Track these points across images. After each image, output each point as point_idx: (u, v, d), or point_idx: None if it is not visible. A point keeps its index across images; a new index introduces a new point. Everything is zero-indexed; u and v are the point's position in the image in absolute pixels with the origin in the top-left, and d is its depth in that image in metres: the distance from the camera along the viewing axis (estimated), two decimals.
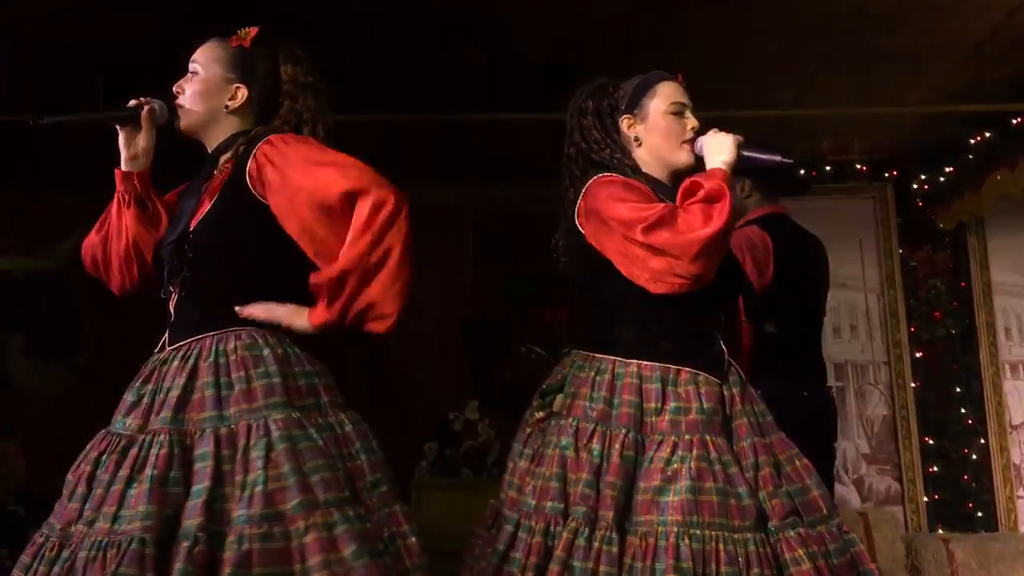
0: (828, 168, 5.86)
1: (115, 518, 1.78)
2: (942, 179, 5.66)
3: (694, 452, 2.04)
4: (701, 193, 2.06)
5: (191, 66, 2.16)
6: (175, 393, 1.91)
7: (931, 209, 5.82)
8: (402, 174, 6.27)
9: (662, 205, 2.09)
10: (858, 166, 5.93)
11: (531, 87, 4.57)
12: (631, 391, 2.12)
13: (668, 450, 2.06)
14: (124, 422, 1.94)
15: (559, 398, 2.21)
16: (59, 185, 5.46)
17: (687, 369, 2.14)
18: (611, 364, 2.16)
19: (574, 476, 2.06)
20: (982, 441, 5.67)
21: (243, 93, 2.13)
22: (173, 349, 2.01)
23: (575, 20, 4.02)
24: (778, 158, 2.25)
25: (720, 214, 2.02)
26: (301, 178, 1.95)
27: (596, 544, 1.98)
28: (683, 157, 2.30)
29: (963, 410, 5.73)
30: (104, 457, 1.90)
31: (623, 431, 2.08)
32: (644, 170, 2.30)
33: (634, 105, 2.34)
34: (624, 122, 2.34)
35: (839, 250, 5.89)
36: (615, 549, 1.97)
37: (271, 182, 1.98)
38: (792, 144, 5.56)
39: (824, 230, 5.80)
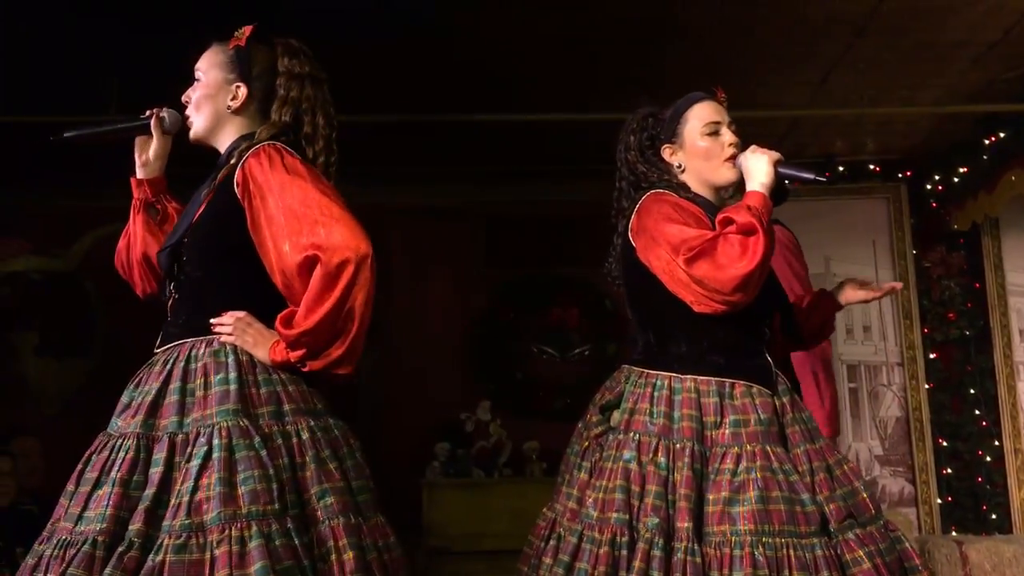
0: (841, 169, 5.84)
1: (78, 518, 1.80)
2: (956, 179, 5.64)
3: (758, 463, 2.10)
4: (734, 227, 2.10)
5: (196, 74, 2.16)
6: (149, 398, 1.92)
7: (945, 210, 5.80)
8: (414, 175, 6.33)
9: (706, 233, 2.13)
10: (871, 166, 5.91)
11: (543, 88, 4.58)
12: (690, 405, 2.17)
13: (732, 462, 2.11)
14: (116, 424, 1.96)
15: (616, 413, 2.25)
16: (73, 187, 5.50)
17: (741, 382, 2.20)
18: (667, 380, 2.21)
19: (638, 488, 2.10)
20: (996, 443, 5.64)
21: (243, 91, 2.12)
22: (161, 352, 2.03)
23: (587, 21, 4.02)
24: (812, 176, 2.27)
25: (756, 247, 2.06)
26: (275, 228, 1.95)
27: (680, 556, 2.02)
28: (726, 175, 2.33)
29: (977, 412, 5.70)
30: (93, 457, 1.92)
31: (688, 444, 2.13)
32: (693, 190, 2.35)
33: (671, 133, 2.38)
34: (665, 151, 2.38)
35: (852, 251, 5.90)
36: (699, 560, 2.02)
37: (252, 207, 1.99)
38: (804, 145, 5.55)
39: (837, 231, 5.88)
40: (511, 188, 5.80)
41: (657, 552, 2.02)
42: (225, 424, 1.84)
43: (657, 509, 2.07)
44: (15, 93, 4.53)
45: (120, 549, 1.72)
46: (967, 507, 5.64)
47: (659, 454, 2.12)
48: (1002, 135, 5.16)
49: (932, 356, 5.81)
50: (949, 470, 5.68)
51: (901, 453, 5.77)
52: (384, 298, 6.96)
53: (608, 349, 5.76)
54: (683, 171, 2.36)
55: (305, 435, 1.91)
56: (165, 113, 2.20)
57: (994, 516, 5.55)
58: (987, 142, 5.26)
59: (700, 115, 2.35)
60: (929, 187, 5.85)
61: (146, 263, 2.22)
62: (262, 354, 1.95)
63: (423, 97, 4.70)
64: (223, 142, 2.15)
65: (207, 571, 1.71)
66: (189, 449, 1.83)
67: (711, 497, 2.09)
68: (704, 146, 2.33)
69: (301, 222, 1.93)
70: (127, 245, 2.26)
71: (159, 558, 1.71)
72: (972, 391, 5.72)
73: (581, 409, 2.40)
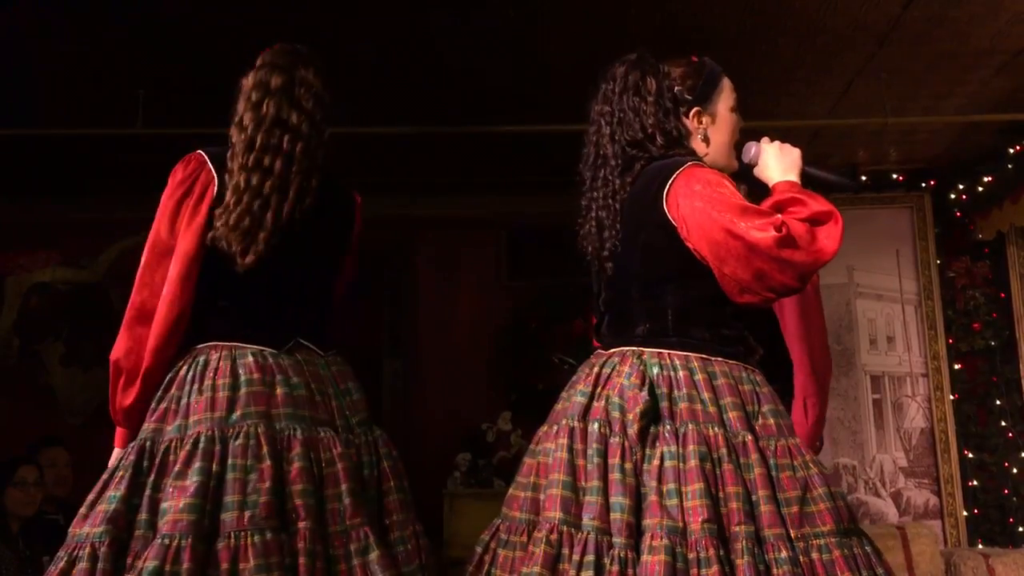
0: (864, 178, 5.81)
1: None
2: (980, 188, 5.60)
3: (808, 457, 1.92)
4: (806, 212, 1.89)
5: None
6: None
7: (969, 219, 5.76)
8: (439, 186, 6.34)
9: (776, 214, 1.89)
10: (895, 176, 5.88)
11: (565, 99, 4.58)
12: (732, 392, 1.92)
13: (787, 456, 1.89)
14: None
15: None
16: (99, 198, 5.56)
17: (759, 372, 2.01)
18: (699, 362, 1.94)
19: (717, 490, 1.81)
20: (1023, 455, 5.58)
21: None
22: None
23: (607, 32, 4.03)
24: (845, 180, 2.12)
25: (838, 233, 1.88)
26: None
27: (785, 567, 1.76)
28: (732, 161, 2.13)
29: (1003, 423, 5.64)
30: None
31: (748, 437, 1.88)
32: None
33: (705, 98, 2.10)
34: (693, 116, 2.10)
35: (876, 260, 5.87)
36: (800, 571, 1.78)
37: None
38: (827, 154, 5.53)
39: (860, 240, 5.84)
40: (534, 199, 5.80)
41: (762, 567, 1.75)
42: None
43: (748, 515, 1.79)
44: (44, 107, 4.59)
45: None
46: (994, 520, 5.57)
47: (729, 449, 1.85)
48: None
49: (957, 367, 5.76)
50: (975, 482, 5.62)
51: (926, 465, 5.72)
52: (408, 308, 6.99)
53: None
54: (706, 144, 2.10)
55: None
56: None
57: (1021, 529, 5.48)
58: (1012, 151, 5.22)
59: (729, 88, 2.15)
60: (953, 196, 5.81)
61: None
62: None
63: (448, 109, 4.73)
64: None
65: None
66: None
67: (781, 497, 1.84)
68: (730, 123, 2.12)
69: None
70: None
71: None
72: (998, 402, 5.66)
73: None
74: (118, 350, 2.02)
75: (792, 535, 1.80)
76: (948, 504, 5.63)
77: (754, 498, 1.82)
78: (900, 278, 5.88)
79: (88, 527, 1.84)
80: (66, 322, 5.81)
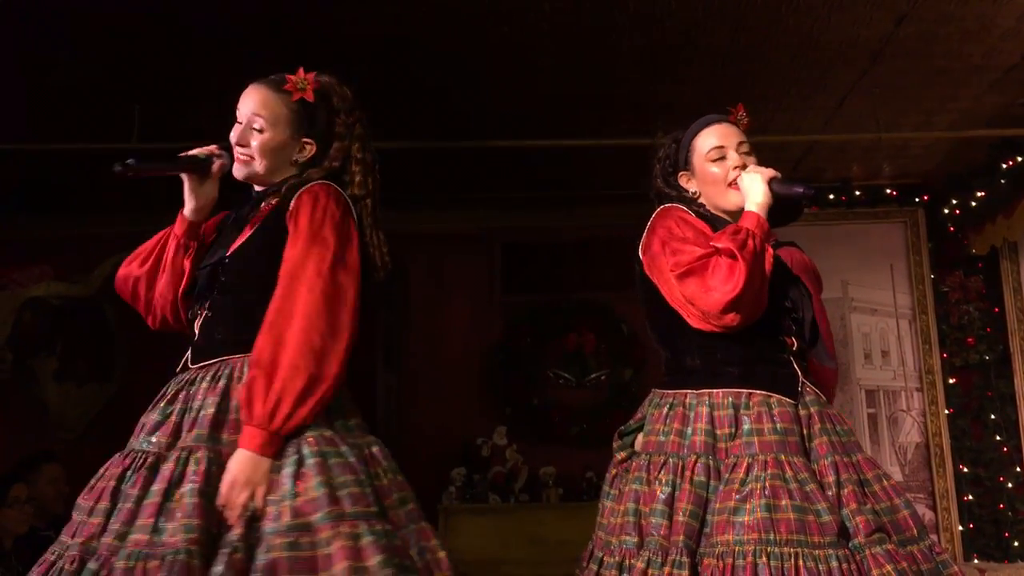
0: (858, 193, 5.84)
1: (154, 529, 1.83)
2: (973, 203, 5.61)
3: (768, 471, 2.06)
4: (722, 247, 2.10)
5: (253, 118, 2.15)
6: (208, 412, 1.95)
7: (963, 234, 5.78)
8: (431, 201, 6.34)
9: (697, 251, 2.14)
10: (888, 191, 5.90)
11: (561, 114, 4.60)
12: (704, 419, 2.16)
13: (743, 471, 2.08)
14: (150, 440, 1.98)
15: (639, 437, 2.25)
16: (93, 213, 5.56)
17: (759, 392, 2.17)
18: (683, 397, 2.21)
19: (646, 508, 2.11)
20: (1018, 469, 5.58)
21: (311, 149, 2.19)
22: (199, 368, 2.04)
23: (602, 49, 4.05)
24: (800, 190, 2.25)
25: (740, 273, 2.05)
26: (285, 273, 2.01)
27: (666, 569, 2.01)
28: (732, 200, 2.31)
29: (998, 437, 5.65)
30: (129, 474, 1.93)
31: (695, 457, 2.11)
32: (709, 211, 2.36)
33: (684, 162, 2.40)
34: (682, 179, 2.40)
35: (870, 275, 5.89)
36: (685, 572, 1.99)
37: (292, 233, 2.06)
38: (821, 169, 5.55)
39: (855, 255, 5.87)
40: (528, 214, 5.83)
41: (654, 571, 2.01)
42: (312, 435, 1.92)
43: (657, 527, 2.06)
44: (38, 121, 4.60)
45: (226, 551, 1.79)
46: (989, 534, 5.57)
47: (664, 471, 2.12)
48: (1019, 159, 5.15)
49: (951, 381, 5.77)
50: (970, 497, 5.62)
51: (921, 479, 5.72)
52: (402, 323, 6.97)
53: (624, 374, 5.74)
54: (699, 196, 2.37)
55: (375, 448, 2.03)
56: (226, 160, 2.19)
57: (1016, 543, 5.48)
58: (1004, 166, 5.24)
59: (705, 142, 2.35)
60: (946, 211, 5.84)
61: (182, 298, 2.22)
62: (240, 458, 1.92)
63: (441, 124, 4.74)
64: (269, 183, 2.18)
65: (322, 565, 1.80)
66: (276, 462, 1.90)
67: (717, 507, 2.06)
68: (713, 173, 2.33)
69: (304, 302, 1.97)
70: (151, 274, 2.25)
71: (272, 555, 1.79)
72: (992, 416, 5.67)
73: (597, 434, 2.41)
74: None
75: (714, 540, 2.03)
76: (943, 519, 5.63)
77: (671, 511, 2.07)
78: (894, 292, 5.89)
79: None
80: (60, 337, 5.79)
